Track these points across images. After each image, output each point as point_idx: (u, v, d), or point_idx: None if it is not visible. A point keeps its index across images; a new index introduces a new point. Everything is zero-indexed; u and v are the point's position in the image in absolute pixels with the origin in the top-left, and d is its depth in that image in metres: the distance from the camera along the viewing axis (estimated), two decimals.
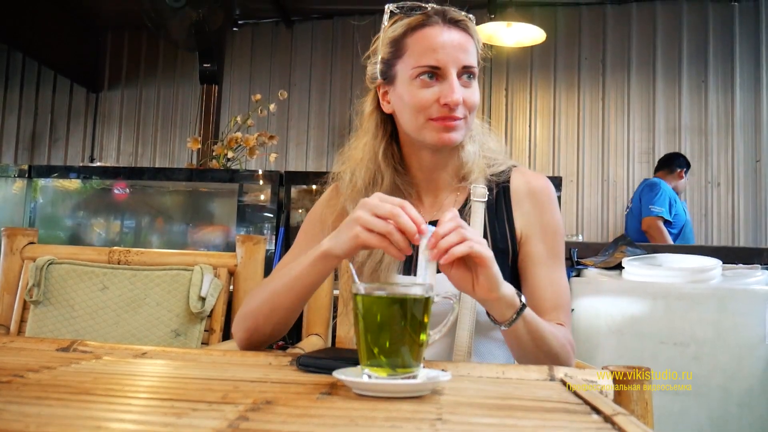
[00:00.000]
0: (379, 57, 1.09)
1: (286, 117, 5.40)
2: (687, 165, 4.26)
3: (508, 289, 0.90)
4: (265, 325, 1.02)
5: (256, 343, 1.04)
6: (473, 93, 1.06)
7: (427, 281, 0.82)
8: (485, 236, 1.08)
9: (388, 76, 1.09)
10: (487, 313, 0.93)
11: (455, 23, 1.05)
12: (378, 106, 1.12)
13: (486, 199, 1.11)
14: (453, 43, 1.03)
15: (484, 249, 0.84)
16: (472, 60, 1.05)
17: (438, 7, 1.06)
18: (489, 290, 0.86)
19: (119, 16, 5.61)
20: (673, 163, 4.23)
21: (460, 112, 1.04)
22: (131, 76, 5.85)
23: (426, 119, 1.04)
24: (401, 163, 1.13)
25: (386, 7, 1.08)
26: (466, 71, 1.04)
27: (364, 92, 1.16)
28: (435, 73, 1.03)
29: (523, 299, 0.92)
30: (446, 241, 0.82)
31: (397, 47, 1.07)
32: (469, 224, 1.10)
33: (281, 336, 1.05)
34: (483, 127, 1.18)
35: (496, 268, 0.86)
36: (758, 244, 4.65)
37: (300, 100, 5.44)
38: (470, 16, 1.08)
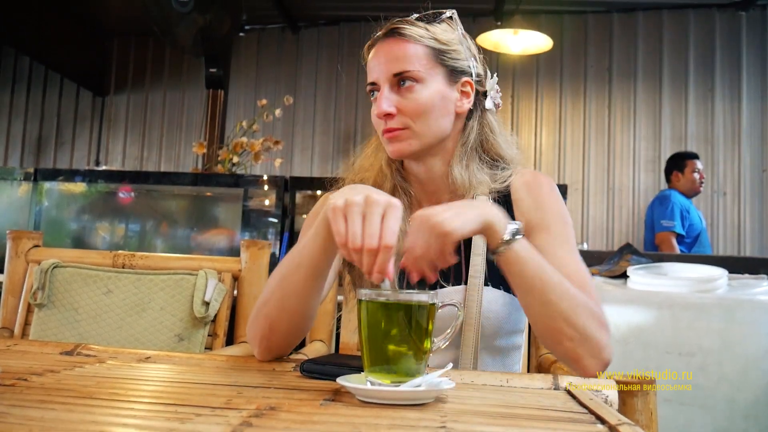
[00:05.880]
0: None
1: (292, 122, 5.41)
2: (695, 155, 4.16)
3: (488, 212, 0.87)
4: (279, 320, 0.92)
5: (275, 348, 0.94)
6: (412, 99, 1.01)
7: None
8: None
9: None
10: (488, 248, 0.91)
11: (392, 33, 1.04)
12: None
13: None
14: (384, 54, 1.03)
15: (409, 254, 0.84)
16: (406, 65, 1.01)
17: (392, 20, 1.05)
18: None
19: (126, 22, 5.65)
20: (681, 160, 4.10)
21: (396, 123, 1.02)
22: (137, 80, 5.88)
23: (381, 134, 1.06)
24: (401, 172, 1.13)
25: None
26: (400, 78, 1.02)
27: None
28: (375, 90, 1.04)
29: (517, 223, 0.88)
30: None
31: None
32: (471, 238, 1.07)
33: (300, 336, 0.95)
34: (492, 135, 1.12)
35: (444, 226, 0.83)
36: (764, 254, 4.63)
37: (305, 105, 5.46)
38: (442, 17, 1.06)
